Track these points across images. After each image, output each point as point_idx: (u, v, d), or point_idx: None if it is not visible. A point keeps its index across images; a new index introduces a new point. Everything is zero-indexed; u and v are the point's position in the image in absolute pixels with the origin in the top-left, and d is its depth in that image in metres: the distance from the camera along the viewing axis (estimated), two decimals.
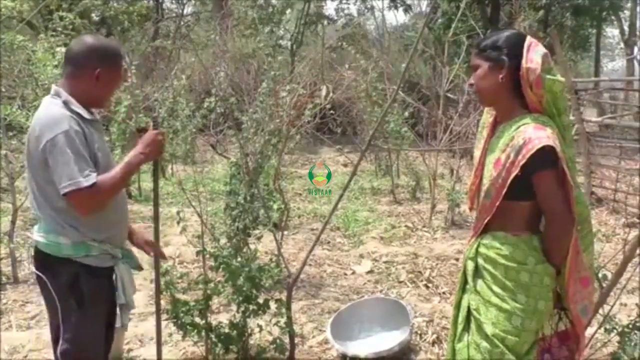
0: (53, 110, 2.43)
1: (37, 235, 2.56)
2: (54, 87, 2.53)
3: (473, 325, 2.32)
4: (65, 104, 2.46)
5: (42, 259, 2.56)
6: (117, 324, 2.85)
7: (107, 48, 2.56)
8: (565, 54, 15.56)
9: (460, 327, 2.36)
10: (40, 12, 12.83)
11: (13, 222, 5.40)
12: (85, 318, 2.55)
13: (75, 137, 2.37)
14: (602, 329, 3.20)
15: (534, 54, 2.20)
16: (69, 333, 2.54)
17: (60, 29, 8.82)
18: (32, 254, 2.64)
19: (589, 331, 3.02)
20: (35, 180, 2.48)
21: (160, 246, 3.03)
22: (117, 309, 2.75)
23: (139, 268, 2.86)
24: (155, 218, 2.92)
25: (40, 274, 2.56)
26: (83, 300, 2.52)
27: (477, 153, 2.48)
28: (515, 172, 2.14)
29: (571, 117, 7.31)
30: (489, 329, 2.23)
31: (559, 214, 2.17)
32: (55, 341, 2.61)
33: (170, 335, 4.11)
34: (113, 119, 8.33)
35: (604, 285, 3.05)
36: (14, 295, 5.01)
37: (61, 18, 9.87)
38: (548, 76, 2.19)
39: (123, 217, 2.73)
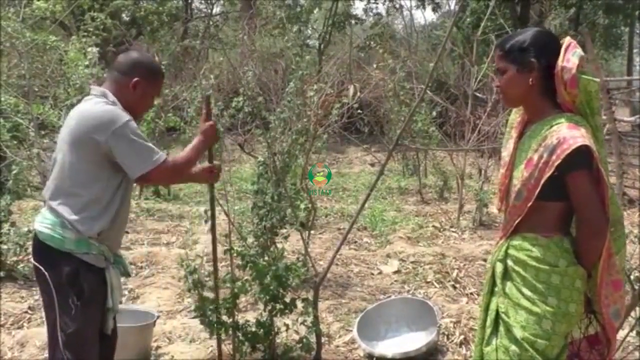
0: (107, 106, 2.58)
1: (40, 225, 2.58)
2: (99, 89, 2.67)
3: (502, 329, 2.27)
4: (114, 103, 2.61)
5: (44, 251, 2.58)
6: (149, 320, 2.87)
7: (150, 64, 2.79)
8: (597, 52, 15.34)
9: (488, 331, 2.32)
10: (73, 13, 13.03)
11: None
12: (85, 313, 2.57)
13: (136, 126, 2.57)
14: (634, 332, 3.15)
15: (571, 55, 2.16)
16: (70, 327, 2.55)
17: (91, 29, 8.94)
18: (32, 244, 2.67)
19: (621, 334, 2.97)
20: (77, 169, 2.56)
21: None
22: (107, 313, 2.71)
23: (127, 275, 2.93)
24: (211, 199, 3.35)
25: (39, 267, 2.58)
26: (83, 295, 2.54)
27: (505, 154, 2.43)
28: (549, 172, 2.10)
29: (603, 117, 7.20)
30: (518, 333, 2.18)
31: (593, 215, 2.12)
32: (51, 335, 2.61)
33: (200, 332, 4.15)
34: (143, 118, 8.43)
35: (637, 287, 3.00)
36: None
37: (93, 19, 10.01)
38: (583, 76, 2.15)
39: (123, 222, 2.79)
